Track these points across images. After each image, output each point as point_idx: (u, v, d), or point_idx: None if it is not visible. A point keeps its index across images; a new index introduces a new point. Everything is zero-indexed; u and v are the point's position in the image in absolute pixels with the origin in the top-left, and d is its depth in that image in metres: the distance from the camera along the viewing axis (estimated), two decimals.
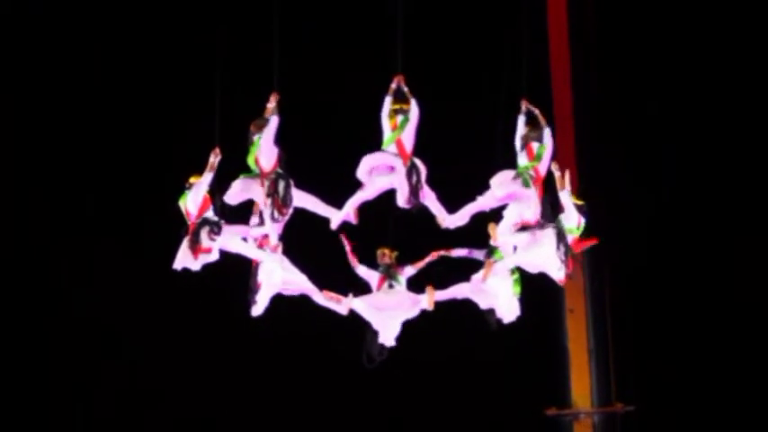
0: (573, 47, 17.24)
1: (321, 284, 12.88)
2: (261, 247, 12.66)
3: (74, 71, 18.33)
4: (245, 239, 12.68)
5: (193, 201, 12.38)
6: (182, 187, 12.45)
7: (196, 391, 18.26)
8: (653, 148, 18.38)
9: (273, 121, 12.34)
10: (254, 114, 12.51)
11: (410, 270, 13.32)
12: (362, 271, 13.23)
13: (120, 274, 18.16)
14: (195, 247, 12.31)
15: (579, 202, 12.85)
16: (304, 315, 13.37)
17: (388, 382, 14.75)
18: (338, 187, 12.56)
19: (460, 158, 15.77)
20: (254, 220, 12.80)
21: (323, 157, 15.48)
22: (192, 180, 12.44)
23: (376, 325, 12.91)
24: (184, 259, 12.41)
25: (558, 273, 12.72)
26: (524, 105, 13.11)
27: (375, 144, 12.38)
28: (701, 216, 18.26)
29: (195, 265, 12.41)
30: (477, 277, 12.89)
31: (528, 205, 12.61)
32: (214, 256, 12.55)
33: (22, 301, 18.56)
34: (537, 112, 13.16)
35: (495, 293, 12.87)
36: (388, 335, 12.94)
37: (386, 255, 13.21)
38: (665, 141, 18.46)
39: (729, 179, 18.40)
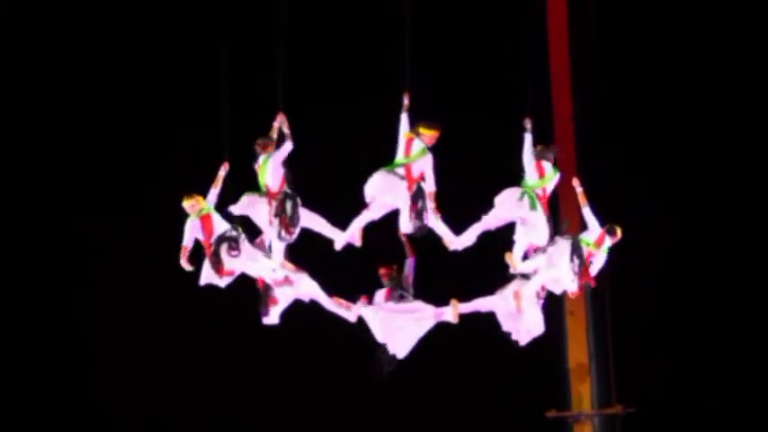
0: (573, 49, 17.24)
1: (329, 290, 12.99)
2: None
3: (80, 80, 18.35)
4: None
5: (194, 226, 12.38)
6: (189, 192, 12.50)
7: (205, 398, 18.35)
8: (653, 150, 18.38)
9: (287, 146, 12.35)
10: (261, 127, 12.55)
11: (410, 270, 13.39)
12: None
13: (126, 279, 18.20)
14: (218, 267, 12.28)
15: (610, 225, 12.88)
16: (314, 324, 13.41)
17: (390, 383, 14.72)
18: (343, 201, 12.60)
19: (463, 173, 15.80)
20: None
21: (326, 171, 15.54)
22: (185, 203, 12.41)
23: (382, 337, 12.92)
24: (209, 276, 12.40)
25: (571, 285, 12.77)
26: (528, 124, 13.06)
27: (380, 161, 12.46)
28: (701, 218, 18.26)
29: (221, 282, 12.42)
30: (509, 305, 12.95)
31: (535, 228, 12.62)
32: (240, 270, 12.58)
33: (24, 302, 18.59)
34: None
35: (524, 315, 12.99)
36: (398, 346, 12.96)
37: (388, 273, 13.25)
38: (666, 143, 18.45)
39: (730, 180, 18.40)
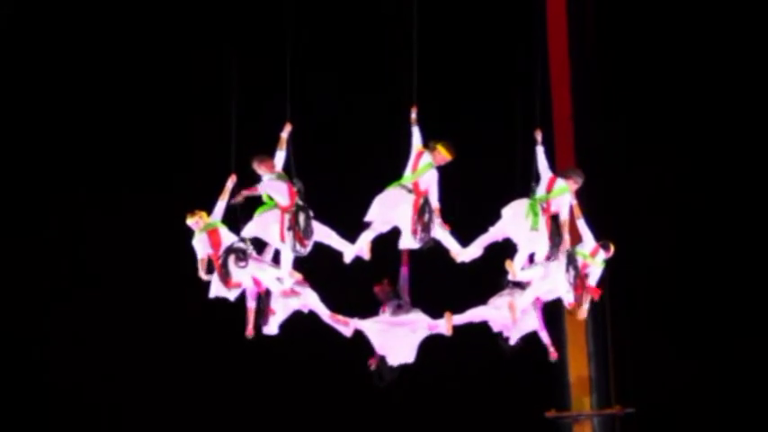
0: (573, 49, 17.25)
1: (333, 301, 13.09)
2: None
3: (87, 90, 18.38)
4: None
5: (201, 241, 12.40)
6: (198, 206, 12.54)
7: (207, 408, 18.40)
8: (653, 151, 18.38)
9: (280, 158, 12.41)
10: (269, 139, 12.59)
11: (403, 280, 13.46)
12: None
13: (130, 291, 18.24)
14: (227, 279, 12.31)
15: (604, 242, 12.91)
16: (313, 331, 13.46)
17: (390, 383, 14.80)
18: (350, 212, 12.64)
19: (468, 184, 15.83)
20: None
21: (335, 184, 15.57)
22: (188, 221, 12.43)
23: (381, 348, 13.01)
24: (218, 289, 12.44)
25: (567, 295, 12.81)
26: (539, 136, 13.09)
27: (387, 172, 12.50)
28: (701, 219, 18.27)
29: (230, 294, 12.46)
30: (504, 315, 12.99)
31: (534, 244, 12.62)
32: (248, 284, 12.61)
33: (29, 309, 18.65)
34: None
35: (520, 322, 13.07)
36: (395, 357, 13.05)
37: (382, 290, 13.37)
38: (666, 143, 18.45)
39: (731, 181, 18.41)
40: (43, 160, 18.56)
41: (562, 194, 12.81)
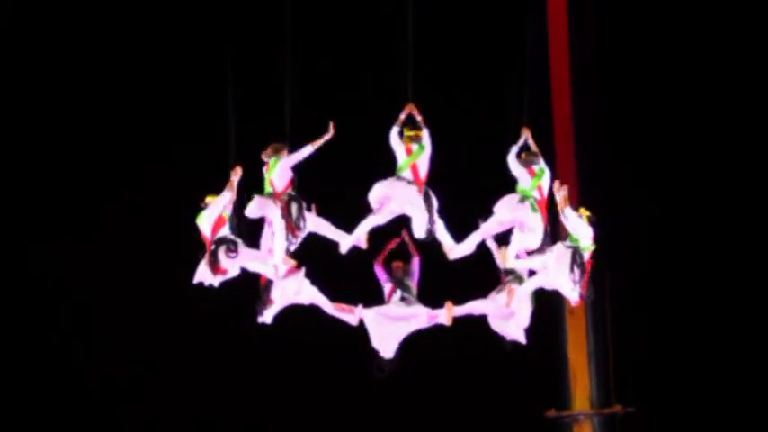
0: (573, 49, 17.27)
1: (332, 293, 13.04)
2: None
3: (87, 85, 18.44)
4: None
5: (208, 220, 12.45)
6: (197, 205, 12.55)
7: (203, 400, 18.38)
8: (653, 151, 18.40)
9: (306, 150, 12.48)
10: (267, 134, 12.59)
11: (415, 269, 13.43)
12: (380, 271, 13.38)
13: (128, 280, 18.26)
14: (214, 267, 12.38)
15: (588, 214, 12.76)
16: (311, 322, 13.46)
17: (390, 382, 14.83)
18: (347, 209, 12.64)
19: (463, 182, 15.83)
20: (267, 231, 12.85)
21: (332, 180, 15.58)
22: (207, 200, 12.50)
23: (377, 340, 12.98)
24: (203, 274, 12.48)
25: (572, 293, 12.75)
26: (525, 135, 13.07)
27: (385, 168, 12.50)
28: (702, 218, 18.28)
29: (214, 280, 12.49)
30: (499, 301, 12.98)
31: (533, 233, 12.58)
32: (234, 273, 12.64)
33: (23, 300, 18.67)
34: (530, 140, 13.13)
35: (516, 314, 13.00)
36: (386, 349, 13.02)
37: (400, 268, 13.31)
38: (666, 144, 18.47)
39: (731, 180, 18.42)
40: (42, 159, 18.59)
41: (545, 174, 12.80)
